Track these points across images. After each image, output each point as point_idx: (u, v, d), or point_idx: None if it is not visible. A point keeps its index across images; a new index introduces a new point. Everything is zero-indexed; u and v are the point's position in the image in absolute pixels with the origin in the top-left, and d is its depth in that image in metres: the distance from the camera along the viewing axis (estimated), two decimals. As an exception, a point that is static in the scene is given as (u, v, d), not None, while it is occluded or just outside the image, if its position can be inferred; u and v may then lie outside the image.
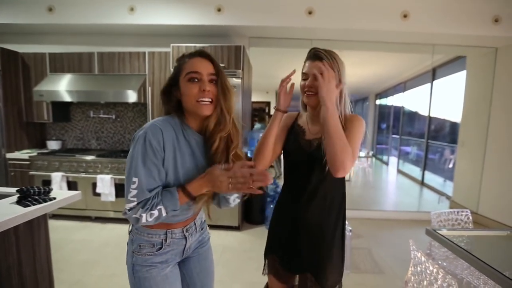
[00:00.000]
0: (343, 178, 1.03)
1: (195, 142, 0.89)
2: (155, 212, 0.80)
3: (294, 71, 1.04)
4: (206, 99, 0.82)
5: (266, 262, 1.18)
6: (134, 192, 0.79)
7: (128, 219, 0.82)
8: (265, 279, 1.21)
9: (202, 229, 1.03)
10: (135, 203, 0.79)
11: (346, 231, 2.24)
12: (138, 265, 0.88)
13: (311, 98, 1.00)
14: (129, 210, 0.79)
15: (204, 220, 1.07)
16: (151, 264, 0.88)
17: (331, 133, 0.89)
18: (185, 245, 0.95)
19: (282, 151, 1.12)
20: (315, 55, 0.98)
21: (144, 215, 0.79)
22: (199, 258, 1.01)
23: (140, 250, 0.88)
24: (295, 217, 1.06)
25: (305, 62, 1.02)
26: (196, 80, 0.82)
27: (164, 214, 0.81)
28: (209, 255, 1.05)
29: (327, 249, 1.03)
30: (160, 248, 0.89)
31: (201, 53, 0.85)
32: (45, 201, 1.42)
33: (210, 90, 0.82)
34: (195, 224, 0.98)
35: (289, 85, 1.04)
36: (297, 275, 1.12)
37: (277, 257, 1.13)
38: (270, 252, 1.16)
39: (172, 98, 0.88)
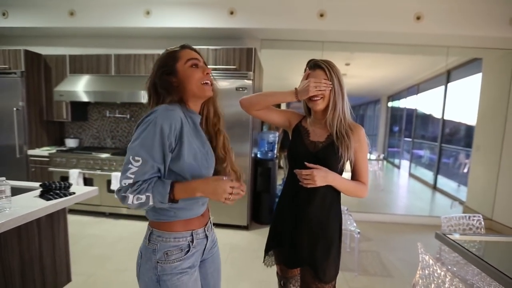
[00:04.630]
0: None
1: (198, 123, 0.91)
2: (143, 197, 0.77)
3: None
4: (209, 81, 0.89)
5: (272, 255, 1.23)
6: (134, 169, 0.77)
7: (117, 196, 0.79)
8: (271, 277, 1.24)
9: (213, 227, 1.05)
10: (131, 180, 0.76)
11: (354, 234, 2.25)
12: (167, 274, 0.83)
13: (315, 103, 1.08)
14: (122, 187, 0.77)
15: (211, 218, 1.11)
16: (182, 271, 0.85)
17: (345, 192, 1.09)
18: (206, 244, 0.95)
19: (287, 151, 1.19)
20: (315, 64, 1.09)
21: (131, 196, 0.76)
22: (213, 258, 1.02)
23: (168, 258, 0.84)
24: (296, 215, 1.11)
25: (305, 71, 1.12)
26: (196, 66, 0.88)
27: (151, 202, 0.77)
28: (219, 253, 1.07)
29: (327, 246, 1.08)
30: (188, 251, 0.87)
31: (189, 47, 0.93)
32: (66, 196, 1.50)
33: (209, 73, 0.90)
34: (210, 222, 1.00)
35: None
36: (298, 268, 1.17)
37: (278, 252, 1.19)
38: (272, 247, 1.21)
39: (173, 87, 0.86)
